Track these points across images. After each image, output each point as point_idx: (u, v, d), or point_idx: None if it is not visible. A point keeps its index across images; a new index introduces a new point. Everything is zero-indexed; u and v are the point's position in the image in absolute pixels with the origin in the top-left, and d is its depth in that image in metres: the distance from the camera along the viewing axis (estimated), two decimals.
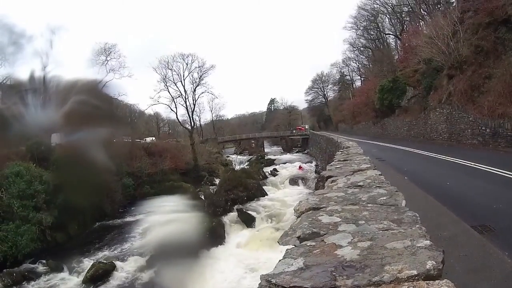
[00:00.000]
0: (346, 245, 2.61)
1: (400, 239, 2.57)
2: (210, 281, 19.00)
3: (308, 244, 2.73)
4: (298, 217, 3.60)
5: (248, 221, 26.34)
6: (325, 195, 4.36)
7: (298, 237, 2.94)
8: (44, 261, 21.83)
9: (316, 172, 41.42)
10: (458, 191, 12.02)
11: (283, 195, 33.88)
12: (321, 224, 3.17)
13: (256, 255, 20.82)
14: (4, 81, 37.54)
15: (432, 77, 35.17)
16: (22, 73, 41.64)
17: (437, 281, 1.87)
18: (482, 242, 6.91)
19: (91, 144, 31.23)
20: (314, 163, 51.85)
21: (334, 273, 2.16)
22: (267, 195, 33.43)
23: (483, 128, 24.00)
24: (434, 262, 2.09)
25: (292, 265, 2.38)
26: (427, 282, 1.88)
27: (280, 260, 2.48)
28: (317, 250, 2.59)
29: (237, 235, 24.87)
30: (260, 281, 2.21)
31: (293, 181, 40.11)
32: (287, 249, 2.68)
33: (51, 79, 38.18)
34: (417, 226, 2.88)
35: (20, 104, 33.05)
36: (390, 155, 23.96)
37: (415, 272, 2.02)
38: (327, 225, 3.13)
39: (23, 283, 19.85)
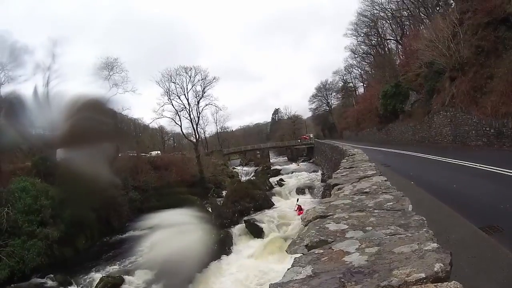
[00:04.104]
0: (354, 251, 2.62)
1: (408, 243, 2.59)
2: None
3: (316, 252, 2.75)
4: (306, 225, 3.62)
5: (256, 232, 26.24)
6: (332, 203, 4.37)
7: (306, 245, 2.95)
8: (52, 275, 21.82)
9: (322, 180, 41.27)
10: (465, 193, 11.99)
11: (291, 205, 33.72)
12: (328, 231, 3.19)
13: (265, 266, 20.75)
14: (8, 97, 37.63)
15: (434, 80, 35.13)
16: (25, 89, 41.82)
17: (445, 283, 1.88)
18: (490, 243, 6.90)
19: (96, 158, 31.27)
20: (320, 172, 51.69)
21: (343, 280, 2.18)
22: (274, 205, 33.36)
23: (487, 128, 23.96)
24: (441, 264, 2.10)
25: (301, 273, 2.40)
26: (436, 284, 1.89)
27: (288, 269, 2.49)
28: (325, 258, 2.60)
29: (245, 246, 24.78)
30: None
31: (300, 190, 39.94)
32: (295, 258, 2.69)
33: (55, 95, 38.36)
34: (424, 229, 2.90)
35: (24, 120, 33.20)
36: (395, 161, 23.91)
37: (423, 275, 2.03)
38: (335, 232, 3.15)
39: None
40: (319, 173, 51.12)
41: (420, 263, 2.20)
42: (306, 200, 34.84)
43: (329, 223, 3.42)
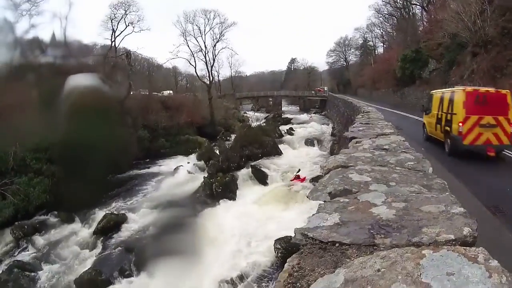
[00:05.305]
0: (381, 204, 2.61)
1: (434, 204, 2.58)
2: (219, 234, 19.17)
3: (341, 201, 2.73)
4: (326, 173, 3.60)
5: (261, 178, 26.24)
6: (352, 154, 4.38)
7: (329, 193, 2.94)
8: (56, 212, 21.95)
9: (332, 134, 41.19)
10: (473, 169, 12.32)
11: (298, 155, 33.67)
12: (352, 181, 3.18)
13: (267, 212, 20.85)
14: (23, 36, 37.38)
15: (455, 52, 34.69)
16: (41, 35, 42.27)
17: (473, 248, 1.83)
18: (495, 223, 7.03)
19: (107, 94, 31.23)
20: (331, 125, 51.54)
21: (372, 231, 2.17)
22: (282, 153, 33.32)
23: None
24: (470, 229, 2.10)
25: (327, 220, 2.37)
26: (465, 248, 1.83)
27: (313, 214, 2.47)
28: (352, 207, 2.59)
29: (249, 191, 24.81)
30: (294, 235, 2.20)
31: (309, 141, 39.82)
32: (320, 204, 2.68)
33: (71, 41, 38.51)
34: (448, 193, 2.90)
35: (41, 57, 33.19)
36: (408, 125, 23.69)
37: (452, 236, 2.02)
38: (358, 183, 3.14)
39: (35, 234, 19.95)
40: (330, 126, 50.92)
41: (449, 224, 2.19)
42: (309, 152, 34.83)
43: (352, 174, 3.41)
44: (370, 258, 1.80)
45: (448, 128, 14.99)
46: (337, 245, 2.08)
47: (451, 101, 15.12)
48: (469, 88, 15.08)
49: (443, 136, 15.56)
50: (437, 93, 17.64)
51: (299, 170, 26.06)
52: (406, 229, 2.17)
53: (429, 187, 3.09)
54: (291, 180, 24.65)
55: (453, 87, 17.15)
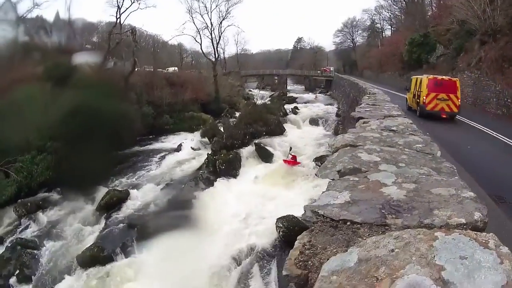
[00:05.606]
0: (391, 185, 2.60)
1: (444, 187, 2.57)
2: (221, 213, 19.16)
3: (351, 179, 2.72)
4: (334, 152, 3.60)
5: (265, 156, 26.13)
6: (360, 134, 4.39)
7: (338, 171, 2.95)
8: (58, 189, 21.87)
9: (337, 115, 41.02)
10: (477, 156, 12.38)
11: (302, 134, 33.51)
12: (361, 161, 3.19)
13: (270, 191, 20.83)
14: (26, 15, 37.01)
15: (464, 39, 34.56)
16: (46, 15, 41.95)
17: (484, 233, 1.83)
18: (497, 212, 7.06)
19: (112, 71, 30.98)
20: (335, 106, 51.32)
21: (383, 211, 2.16)
22: (286, 132, 33.19)
23: (508, 100, 23.94)
24: (480, 214, 2.11)
25: (338, 197, 2.37)
26: (476, 232, 1.84)
27: (323, 192, 2.46)
28: (362, 186, 2.58)
29: (252, 169, 24.72)
30: (304, 212, 2.19)
31: (314, 121, 39.61)
32: (329, 182, 2.68)
33: (75, 19, 38.37)
34: (457, 177, 2.90)
35: (44, 37, 33.06)
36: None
37: (463, 220, 2.03)
38: (368, 162, 3.14)
39: (38, 212, 19.85)
40: (335, 106, 50.64)
41: (460, 208, 2.19)
42: (314, 132, 34.66)
43: (361, 153, 3.42)
44: (383, 238, 1.79)
45: (418, 100, 21.74)
46: (348, 223, 2.07)
47: (420, 83, 21.74)
48: (430, 76, 22.14)
49: (416, 105, 22.13)
50: (414, 77, 24.23)
51: (291, 148, 25.74)
52: (417, 210, 2.16)
53: (438, 170, 3.09)
54: (284, 161, 24.37)
55: (422, 75, 23.71)
